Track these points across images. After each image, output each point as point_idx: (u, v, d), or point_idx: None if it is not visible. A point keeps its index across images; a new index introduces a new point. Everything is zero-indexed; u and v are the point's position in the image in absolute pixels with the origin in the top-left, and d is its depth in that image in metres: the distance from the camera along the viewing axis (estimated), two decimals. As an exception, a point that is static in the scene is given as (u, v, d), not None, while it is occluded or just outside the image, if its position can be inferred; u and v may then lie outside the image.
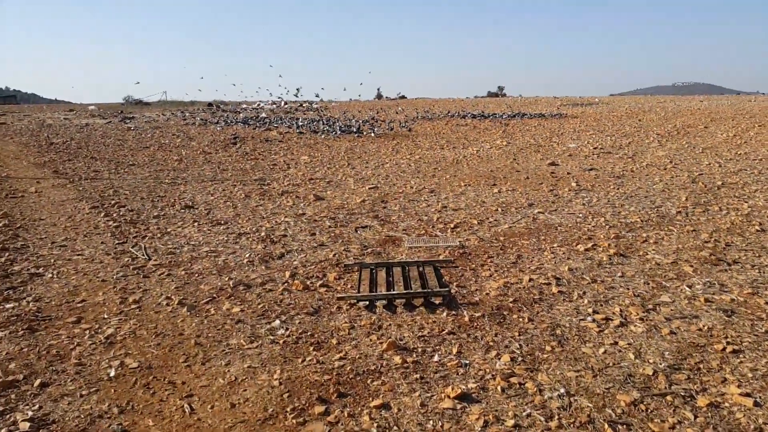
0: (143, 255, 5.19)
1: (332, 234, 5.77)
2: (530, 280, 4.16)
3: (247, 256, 5.08)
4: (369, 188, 8.23)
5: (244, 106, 40.65)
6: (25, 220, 6.63)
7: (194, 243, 5.56)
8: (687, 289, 3.94)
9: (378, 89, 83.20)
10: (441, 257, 4.85)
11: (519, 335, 3.27)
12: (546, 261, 4.64)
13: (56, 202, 7.71)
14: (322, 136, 16.51)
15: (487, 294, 3.94)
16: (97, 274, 4.70)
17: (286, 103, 41.72)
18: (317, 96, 41.00)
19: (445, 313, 3.63)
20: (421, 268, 4.50)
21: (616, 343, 3.14)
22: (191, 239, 5.71)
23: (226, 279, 4.44)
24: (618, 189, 7.63)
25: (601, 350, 3.05)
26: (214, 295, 4.09)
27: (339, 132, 17.25)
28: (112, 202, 7.54)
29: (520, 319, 3.49)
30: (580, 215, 6.21)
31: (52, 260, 5.04)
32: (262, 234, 5.79)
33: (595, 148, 11.90)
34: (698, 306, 3.65)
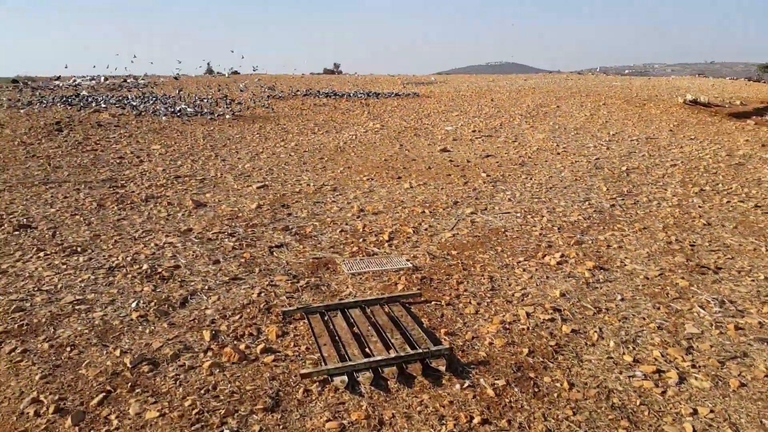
0: (-27, 317, 3.56)
1: (241, 260, 4.53)
2: (528, 315, 3.41)
3: (133, 305, 3.71)
4: (257, 187, 6.96)
5: (57, 82, 35.38)
6: None
7: (49, 288, 4.00)
8: (702, 311, 3.47)
9: (208, 63, 78.25)
10: (399, 287, 3.91)
11: (573, 413, 2.48)
12: (526, 284, 3.93)
13: None
14: (165, 119, 14.44)
15: (490, 344, 3.11)
16: None
17: (106, 79, 37.04)
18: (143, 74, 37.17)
19: (457, 386, 2.73)
20: (387, 309, 3.52)
21: (695, 412, 2.49)
22: (42, 281, 4.13)
23: (118, 354, 3.09)
24: (531, 179, 7.24)
25: (688, 427, 2.36)
26: (108, 388, 2.76)
27: (186, 114, 15.24)
28: None
29: (557, 384, 2.72)
30: (518, 215, 5.63)
31: None
32: (144, 266, 4.37)
33: (473, 131, 11.63)
34: (733, 337, 3.16)
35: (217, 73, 77.01)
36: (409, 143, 10.31)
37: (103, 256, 4.63)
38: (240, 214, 5.82)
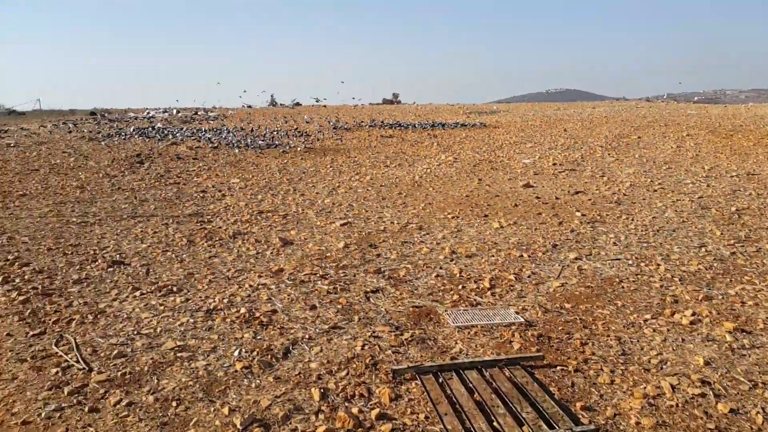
0: (79, 362, 3.48)
1: (338, 305, 4.33)
2: (673, 388, 3.01)
3: (236, 354, 3.53)
4: (341, 224, 6.81)
5: (132, 114, 37.14)
6: None
7: (148, 331, 3.90)
8: None
9: (272, 96, 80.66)
10: (515, 346, 3.59)
11: None
12: (661, 348, 3.53)
13: None
14: (239, 151, 14.70)
15: (637, 423, 2.74)
16: (13, 407, 2.98)
17: (178, 111, 38.60)
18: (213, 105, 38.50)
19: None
20: (508, 374, 3.21)
21: None
22: (141, 323, 4.03)
23: (226, 412, 2.90)
24: (632, 220, 6.78)
25: None
26: (224, 454, 2.57)
27: (258, 146, 15.48)
28: (10, 257, 5.57)
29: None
30: (630, 263, 5.21)
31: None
32: (242, 310, 4.23)
33: (554, 164, 11.20)
34: None
35: (280, 104, 79.36)
36: (488, 177, 10.00)
37: (200, 297, 4.53)
38: (328, 254, 5.65)
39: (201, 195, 8.90)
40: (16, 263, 5.38)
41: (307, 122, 25.59)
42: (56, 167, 11.87)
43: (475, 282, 4.79)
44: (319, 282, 4.85)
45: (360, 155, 13.75)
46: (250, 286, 4.77)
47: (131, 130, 21.02)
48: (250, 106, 40.41)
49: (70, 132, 21.08)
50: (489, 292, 4.55)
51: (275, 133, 19.38)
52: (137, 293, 4.63)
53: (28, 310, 4.24)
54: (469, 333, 3.83)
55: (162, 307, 4.32)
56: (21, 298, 4.50)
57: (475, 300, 4.41)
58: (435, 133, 19.31)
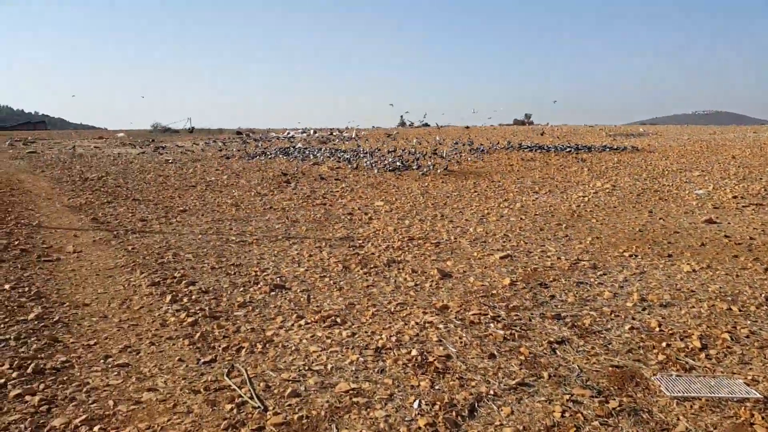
0: (253, 398, 3.26)
1: (520, 357, 3.80)
2: None
3: (415, 406, 3.13)
4: (500, 257, 6.27)
5: (273, 134, 39.28)
6: (64, 306, 4.78)
7: (319, 368, 3.63)
8: None
9: (401, 116, 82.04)
10: (758, 431, 2.83)
11: None
12: None
13: (102, 270, 5.87)
14: (378, 172, 14.65)
15: None
16: (189, 448, 2.78)
17: (315, 132, 40.25)
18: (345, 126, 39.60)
19: None
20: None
21: None
22: (310, 357, 3.78)
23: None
24: None
25: None
26: None
27: (396, 167, 15.36)
28: (176, 274, 5.67)
29: None
30: None
31: (111, 404, 3.15)
32: (413, 352, 3.85)
33: (734, 197, 9.84)
34: None
35: (409, 124, 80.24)
36: (659, 210, 8.97)
37: (365, 332, 4.22)
38: (494, 291, 5.15)
39: (348, 217, 8.80)
40: (183, 281, 5.44)
41: (439, 144, 25.36)
42: (211, 184, 12.49)
43: (682, 339, 4.04)
44: (492, 325, 4.36)
45: (504, 180, 13.14)
46: (417, 323, 4.40)
47: (274, 149, 22.01)
48: (390, 134, 41.19)
49: (220, 150, 22.51)
50: (702, 354, 3.80)
51: (410, 154, 19.29)
52: (302, 322, 4.44)
53: (197, 334, 4.17)
54: (691, 407, 3.14)
55: (329, 341, 4.06)
56: (190, 319, 4.46)
57: (686, 363, 3.68)
58: (582, 157, 18.17)
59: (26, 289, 5.21)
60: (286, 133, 37.20)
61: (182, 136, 39.68)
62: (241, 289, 5.29)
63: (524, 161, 17.25)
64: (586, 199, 10.14)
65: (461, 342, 4.05)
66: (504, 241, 7.10)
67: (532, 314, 4.61)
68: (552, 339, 4.08)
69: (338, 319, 4.48)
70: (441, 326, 4.34)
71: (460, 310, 4.69)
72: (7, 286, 5.24)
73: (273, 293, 5.16)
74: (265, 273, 5.79)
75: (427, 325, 4.37)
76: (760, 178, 12.12)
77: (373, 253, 6.55)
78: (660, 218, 8.32)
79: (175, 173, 14.51)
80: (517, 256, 6.41)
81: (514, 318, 4.52)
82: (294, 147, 23.52)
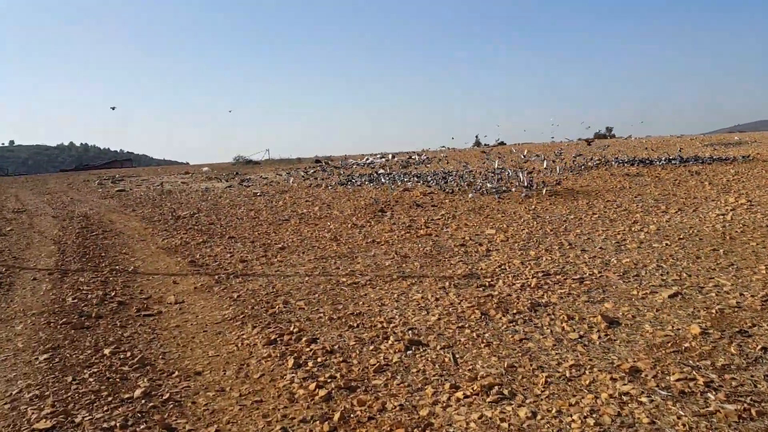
0: None
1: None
2: None
3: None
4: (668, 296, 5.16)
5: (352, 161, 39.16)
6: (173, 376, 4.13)
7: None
8: None
9: (476, 136, 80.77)
10: None
11: None
12: None
13: (209, 325, 5.26)
14: (472, 196, 13.71)
15: None
16: None
17: (394, 156, 39.84)
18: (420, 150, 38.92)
19: None
20: None
21: None
22: (488, 451, 2.87)
23: None
24: None
25: None
26: None
27: (495, 190, 14.37)
28: (292, 328, 4.97)
29: None
30: None
31: None
32: (626, 442, 2.85)
33: None
34: None
35: (484, 144, 78.84)
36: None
37: (547, 409, 3.31)
38: (686, 344, 4.09)
39: (462, 249, 7.92)
40: (303, 338, 4.73)
41: (525, 162, 24.11)
42: (304, 217, 11.98)
43: None
44: (711, 395, 3.32)
45: (618, 198, 11.87)
46: (610, 395, 3.42)
47: (359, 176, 21.54)
48: (486, 152, 40.21)
49: (305, 180, 22.27)
50: None
51: (500, 173, 18.23)
52: (459, 394, 3.57)
53: (336, 415, 3.38)
54: None
55: (505, 425, 3.16)
56: (322, 392, 3.71)
57: None
58: (694, 170, 16.50)
59: (128, 354, 4.65)
60: (365, 159, 36.93)
61: (263, 167, 40.32)
62: (371, 347, 4.50)
63: (630, 177, 15.80)
64: (728, 217, 8.78)
65: (682, 424, 3.04)
66: (662, 274, 5.98)
67: (753, 376, 3.54)
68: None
69: (504, 390, 3.59)
70: (644, 399, 3.35)
71: (656, 373, 3.68)
72: (107, 351, 4.70)
73: (410, 352, 4.34)
74: (392, 324, 4.98)
75: (624, 397, 3.39)
76: None
77: (509, 295, 5.62)
78: (840, 242, 6.91)
79: (265, 207, 14.17)
80: (688, 293, 5.30)
81: (733, 383, 3.46)
82: (377, 173, 22.99)
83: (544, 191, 13.32)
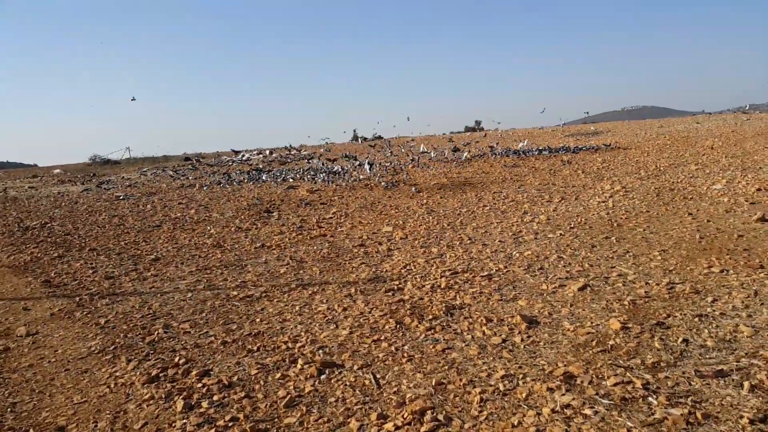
0: None
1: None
2: None
3: None
4: (578, 289, 5.09)
5: (226, 158, 37.31)
6: (29, 436, 3.25)
7: None
8: None
9: (354, 131, 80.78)
10: None
11: None
12: None
13: (72, 361, 4.38)
14: (366, 191, 13.37)
15: None
16: None
17: (271, 152, 38.48)
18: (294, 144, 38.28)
19: None
20: None
21: None
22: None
23: None
24: None
25: None
26: None
27: (386, 184, 14.12)
28: (177, 359, 4.24)
29: None
30: None
31: None
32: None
33: (759, 189, 9.07)
34: None
35: (362, 138, 79.26)
36: (696, 211, 8.06)
37: (491, 436, 2.92)
38: (610, 342, 3.95)
39: (362, 250, 7.49)
40: (192, 371, 4.02)
41: (407, 155, 24.27)
42: (179, 221, 10.91)
43: None
44: (652, 400, 3.15)
45: (504, 189, 12.08)
46: (552, 410, 3.14)
47: (237, 174, 20.38)
48: (332, 143, 39.83)
49: (174, 180, 20.67)
50: None
51: (387, 167, 18.08)
52: (389, 426, 3.15)
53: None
54: None
55: (450, 461, 2.73)
56: (228, 441, 3.04)
57: None
58: (565, 159, 17.39)
59: (-33, 409, 3.67)
60: (240, 156, 35.30)
61: (124, 167, 37.23)
62: (278, 374, 3.90)
63: (509, 168, 16.31)
64: (607, 204, 9.16)
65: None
66: (564, 266, 5.94)
67: (684, 373, 3.43)
68: (748, 415, 2.89)
69: (438, 415, 3.18)
70: (588, 411, 3.10)
71: (590, 378, 3.47)
72: (-60, 408, 3.69)
73: (323, 376, 3.81)
74: (298, 344, 4.41)
75: (567, 411, 3.11)
76: (761, 168, 11.49)
77: (421, 299, 5.26)
78: (707, 221, 7.40)
79: (131, 212, 12.78)
80: (596, 284, 5.26)
81: (669, 383, 3.32)
82: (256, 170, 21.93)
83: (431, 183, 13.26)
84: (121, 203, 14.50)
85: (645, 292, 4.92)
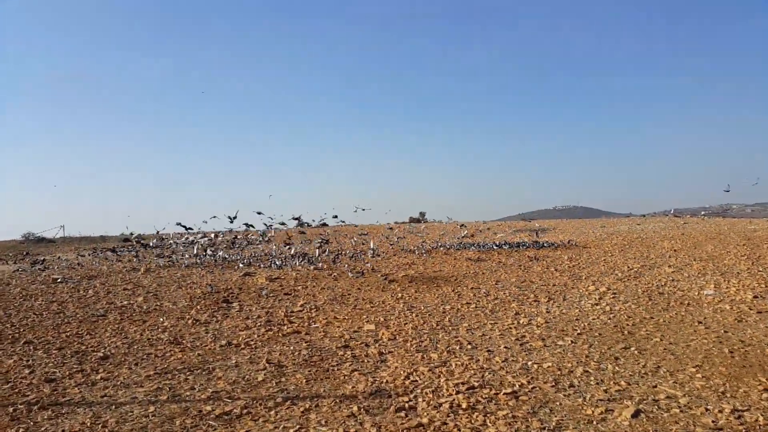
0: None
1: None
2: None
3: None
4: (630, 415, 4.33)
5: (169, 240, 35.47)
6: None
7: None
8: None
9: (299, 217, 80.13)
10: None
11: None
12: None
13: None
14: (333, 281, 12.46)
15: None
16: None
17: (216, 235, 36.90)
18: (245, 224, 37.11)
19: None
20: None
21: None
22: None
23: None
24: None
25: None
26: None
27: (352, 273, 13.26)
28: None
29: None
30: None
31: None
32: None
33: (755, 297, 8.79)
34: None
35: (306, 224, 78.14)
36: (707, 320, 7.59)
37: None
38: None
39: (349, 353, 6.54)
40: None
41: (361, 243, 23.56)
42: (126, 310, 9.62)
43: None
44: None
45: (481, 285, 11.46)
46: None
47: (182, 258, 19.04)
48: (283, 225, 38.81)
49: (117, 262, 19.08)
50: None
51: (344, 255, 17.27)
52: None
53: None
54: None
55: None
56: None
57: None
58: (532, 255, 17.11)
59: None
60: (184, 239, 33.57)
61: (59, 245, 34.78)
62: None
63: (474, 262, 15.82)
64: (605, 308, 8.64)
65: None
66: (597, 383, 5.20)
67: None
68: None
69: None
70: None
71: None
72: None
73: None
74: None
75: None
76: (739, 272, 11.41)
77: (444, 423, 4.35)
78: (724, 331, 6.96)
79: (71, 297, 11.30)
80: (650, 410, 4.52)
81: None
82: (206, 253, 20.62)
83: (400, 275, 12.49)
84: (59, 287, 12.93)
85: (712, 421, 4.20)
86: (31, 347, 7.22)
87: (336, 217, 25.57)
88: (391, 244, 22.37)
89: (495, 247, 19.73)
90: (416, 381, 5.41)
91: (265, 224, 24.53)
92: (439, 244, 21.91)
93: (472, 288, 11.04)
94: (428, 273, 13.45)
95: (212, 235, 35.96)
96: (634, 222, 41.59)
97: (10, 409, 4.92)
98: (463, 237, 24.72)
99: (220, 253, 20.91)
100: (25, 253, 26.94)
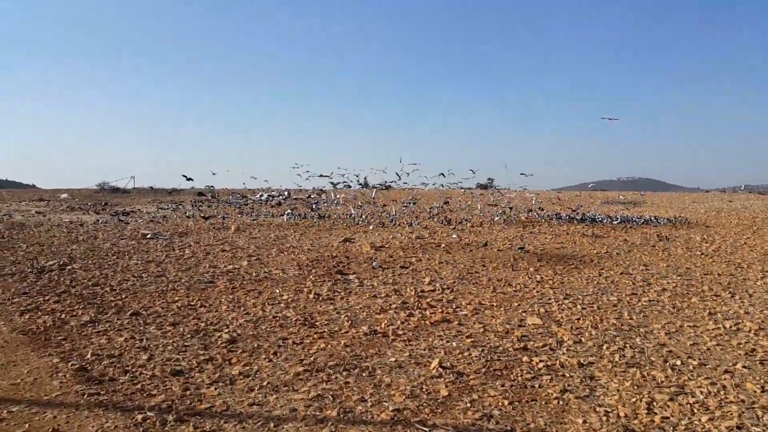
0: None
1: None
2: None
3: None
4: None
5: (238, 194, 34.95)
6: None
7: None
8: None
9: (365, 179, 79.11)
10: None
11: None
12: None
13: None
14: (441, 253, 11.10)
15: None
16: None
17: (289, 193, 36.12)
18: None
19: None
20: None
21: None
22: None
23: None
24: None
25: None
26: None
27: (457, 245, 11.85)
28: None
29: None
30: None
31: None
32: None
33: None
34: None
35: (372, 186, 77.33)
36: None
37: None
38: None
39: (539, 363, 5.15)
40: None
41: (466, 209, 22.11)
42: (235, 277, 8.56)
43: None
44: None
45: (630, 269, 9.78)
46: None
47: (265, 213, 18.08)
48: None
49: (205, 219, 18.29)
50: None
51: (432, 220, 15.88)
52: None
53: None
54: None
55: None
56: None
57: None
58: (657, 233, 15.20)
59: None
60: (258, 195, 32.92)
61: (135, 197, 34.93)
62: None
63: (592, 238, 14.06)
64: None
65: None
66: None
67: None
68: None
69: None
70: None
71: None
72: None
73: None
74: None
75: None
76: None
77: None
78: None
79: (168, 257, 10.38)
80: None
81: None
82: (291, 211, 19.66)
83: (516, 249, 10.96)
84: (150, 244, 12.11)
85: None
86: (140, 320, 6.18)
87: (400, 179, 23.71)
88: (476, 214, 20.78)
89: (605, 222, 17.89)
90: (668, 418, 3.94)
91: (346, 183, 23.44)
92: (537, 215, 20.18)
93: (622, 273, 9.41)
94: (551, 251, 11.87)
95: (286, 192, 35.22)
96: (724, 198, 38.41)
97: (138, 417, 3.79)
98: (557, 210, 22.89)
99: (290, 211, 19.82)
100: (103, 203, 26.86)
